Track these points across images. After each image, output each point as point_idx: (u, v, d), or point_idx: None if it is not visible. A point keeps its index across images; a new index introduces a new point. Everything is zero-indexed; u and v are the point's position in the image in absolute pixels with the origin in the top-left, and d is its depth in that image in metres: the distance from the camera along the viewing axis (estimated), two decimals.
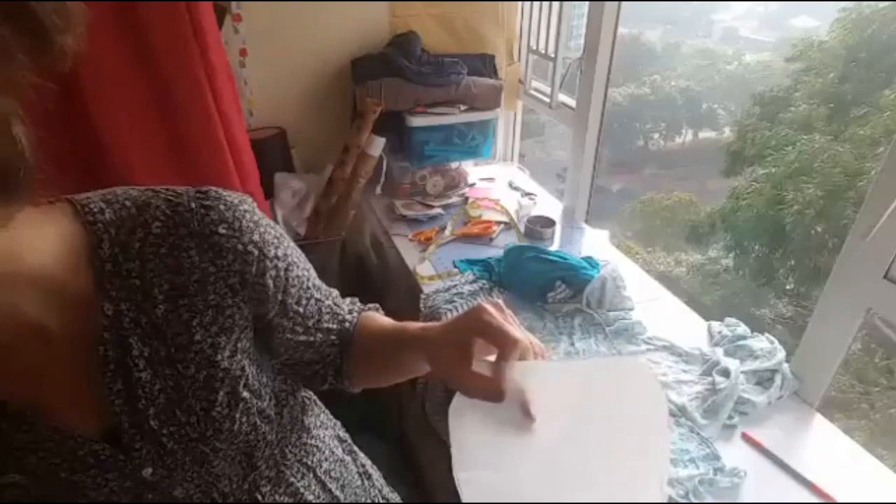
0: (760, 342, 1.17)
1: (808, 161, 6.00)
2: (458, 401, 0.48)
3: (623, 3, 1.50)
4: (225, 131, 0.98)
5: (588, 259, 1.39)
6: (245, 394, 0.53)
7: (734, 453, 0.98)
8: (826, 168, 5.81)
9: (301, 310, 0.59)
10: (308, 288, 0.60)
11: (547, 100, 1.88)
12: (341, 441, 0.73)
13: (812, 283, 6.22)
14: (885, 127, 5.66)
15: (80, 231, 0.46)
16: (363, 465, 0.75)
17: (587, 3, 1.54)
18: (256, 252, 0.52)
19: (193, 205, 0.49)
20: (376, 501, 0.74)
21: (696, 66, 17.30)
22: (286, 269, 0.55)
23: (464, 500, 0.44)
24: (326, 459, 0.67)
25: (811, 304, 5.99)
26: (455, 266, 1.49)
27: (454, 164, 1.88)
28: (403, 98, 1.71)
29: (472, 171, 1.99)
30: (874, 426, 5.20)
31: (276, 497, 0.60)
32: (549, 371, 0.49)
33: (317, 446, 0.66)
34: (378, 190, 1.80)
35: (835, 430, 1.05)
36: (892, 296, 0.93)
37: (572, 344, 1.24)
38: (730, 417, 1.04)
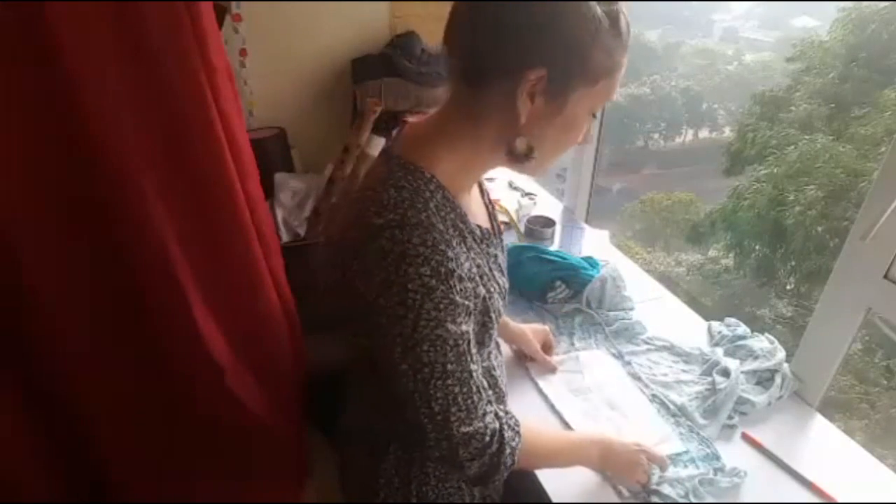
0: (760, 342, 1.17)
1: (810, 161, 5.98)
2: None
3: (623, 3, 1.49)
4: (225, 131, 0.97)
5: (588, 259, 1.39)
6: None
7: (734, 453, 0.98)
8: (828, 168, 5.80)
9: None
10: None
11: None
12: None
13: (812, 283, 6.21)
14: (885, 127, 5.65)
15: None
16: None
17: None
18: None
19: None
20: None
21: (696, 66, 17.29)
22: None
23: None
24: None
25: (811, 304, 5.99)
26: None
27: None
28: (403, 98, 1.71)
29: None
30: (874, 426, 5.19)
31: (497, 339, 0.89)
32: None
33: None
34: None
35: (835, 430, 1.05)
36: (892, 296, 0.93)
37: (572, 343, 1.24)
38: (730, 417, 1.04)
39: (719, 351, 1.16)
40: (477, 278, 0.67)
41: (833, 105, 6.75)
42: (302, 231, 1.69)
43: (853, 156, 5.75)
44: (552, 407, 1.08)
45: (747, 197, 6.65)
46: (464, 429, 0.64)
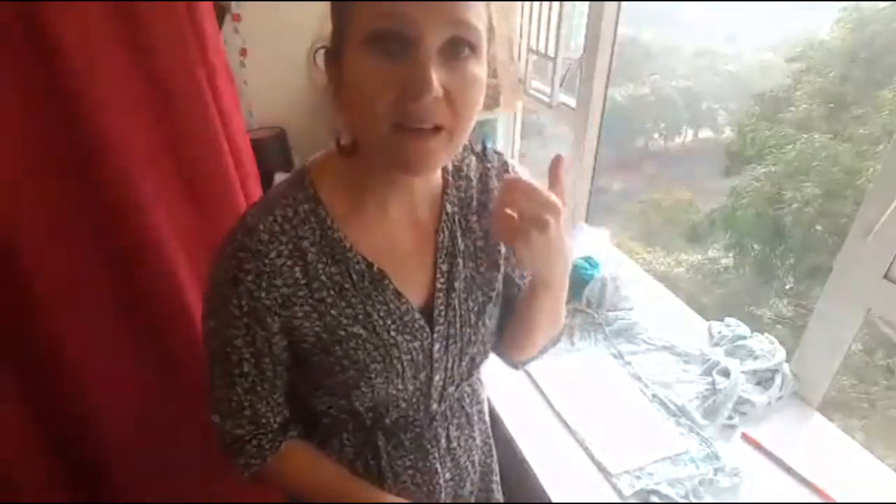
0: (760, 342, 1.17)
1: (808, 160, 5.99)
2: None
3: (623, 3, 1.49)
4: (225, 131, 0.98)
5: (588, 259, 1.39)
6: (496, 300, 0.69)
7: (734, 453, 0.98)
8: (826, 167, 5.80)
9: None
10: None
11: (547, 100, 1.87)
12: None
13: (812, 283, 6.20)
14: (883, 126, 5.66)
15: None
16: None
17: (587, 3, 1.54)
18: None
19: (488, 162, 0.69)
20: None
21: (696, 66, 17.27)
22: None
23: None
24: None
25: (811, 303, 5.98)
26: None
27: None
28: None
29: None
30: (874, 426, 5.19)
31: (472, 410, 0.78)
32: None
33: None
34: None
35: (835, 429, 1.05)
36: (892, 296, 0.93)
37: (572, 343, 1.24)
38: (730, 417, 1.04)
39: (719, 351, 1.16)
40: (305, 314, 0.58)
41: (832, 105, 6.75)
42: None
43: (851, 154, 5.75)
44: (552, 407, 1.08)
45: (746, 196, 6.65)
46: (213, 416, 0.66)
